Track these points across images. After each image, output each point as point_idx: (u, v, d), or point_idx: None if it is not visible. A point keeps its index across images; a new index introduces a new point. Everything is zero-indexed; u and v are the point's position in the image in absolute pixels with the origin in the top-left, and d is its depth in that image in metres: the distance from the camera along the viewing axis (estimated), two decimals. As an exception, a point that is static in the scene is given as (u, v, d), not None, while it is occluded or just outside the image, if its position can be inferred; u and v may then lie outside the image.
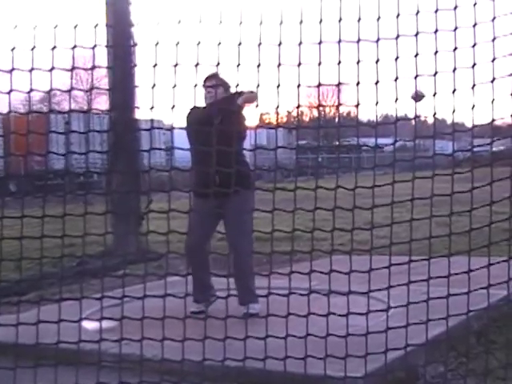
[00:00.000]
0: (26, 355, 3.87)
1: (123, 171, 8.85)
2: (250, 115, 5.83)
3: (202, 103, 5.89)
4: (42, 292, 6.15)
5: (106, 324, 3.91)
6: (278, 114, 3.78)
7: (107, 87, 9.08)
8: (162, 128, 4.21)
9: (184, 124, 5.79)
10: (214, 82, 5.72)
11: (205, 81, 5.74)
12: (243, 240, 5.73)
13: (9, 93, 3.51)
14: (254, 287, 5.80)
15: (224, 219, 5.85)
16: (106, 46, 7.92)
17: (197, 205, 5.57)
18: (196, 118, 5.64)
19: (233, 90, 5.83)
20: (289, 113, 45.31)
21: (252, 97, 5.44)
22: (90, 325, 4.56)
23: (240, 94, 5.58)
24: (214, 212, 5.62)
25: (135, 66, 3.69)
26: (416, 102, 3.61)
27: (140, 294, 3.78)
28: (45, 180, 21.87)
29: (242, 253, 5.69)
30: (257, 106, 3.52)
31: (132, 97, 8.62)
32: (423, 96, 3.73)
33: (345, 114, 45.91)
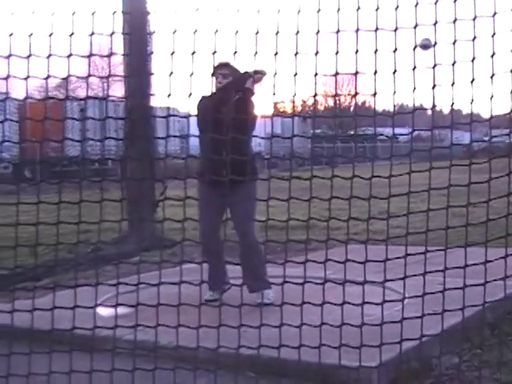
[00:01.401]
0: (40, 341, 3.90)
1: (138, 158, 8.87)
2: (264, 104, 5.81)
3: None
4: (57, 278, 6.19)
5: (120, 310, 3.92)
6: (294, 102, 3.79)
7: (123, 74, 9.08)
8: (177, 115, 4.21)
9: (195, 112, 5.77)
10: (225, 71, 5.70)
11: (215, 69, 5.69)
12: (251, 228, 5.75)
13: (26, 79, 3.51)
14: (265, 274, 5.81)
15: (230, 208, 5.73)
16: (123, 33, 7.92)
17: (203, 192, 5.61)
18: (205, 106, 5.56)
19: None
20: (304, 102, 45.28)
21: (260, 77, 5.43)
22: (104, 311, 4.59)
23: (248, 74, 5.58)
24: (220, 200, 5.59)
25: (151, 53, 3.69)
26: (424, 49, 3.56)
27: (154, 280, 3.79)
28: (60, 166, 22.00)
29: (252, 240, 5.73)
30: (274, 94, 3.49)
31: (148, 84, 8.63)
32: (430, 46, 3.64)
33: (360, 104, 45.83)
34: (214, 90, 5.76)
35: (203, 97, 5.73)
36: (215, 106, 5.41)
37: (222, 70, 5.68)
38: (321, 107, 49.34)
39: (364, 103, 45.63)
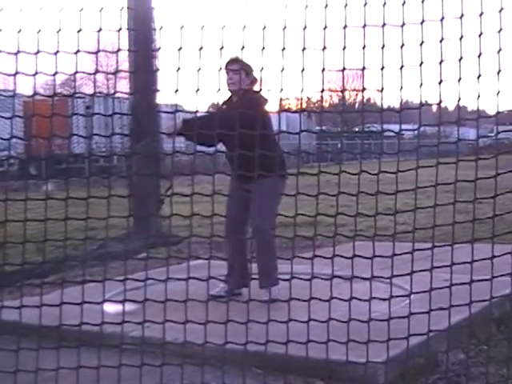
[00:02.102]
0: (48, 337, 3.91)
1: (143, 155, 8.88)
2: (270, 100, 5.84)
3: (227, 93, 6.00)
4: (64, 275, 6.20)
5: (126, 307, 3.93)
6: (301, 98, 3.78)
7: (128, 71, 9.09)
8: (184, 111, 4.21)
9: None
10: (235, 67, 5.75)
11: (226, 65, 5.74)
12: (263, 223, 5.76)
13: (34, 75, 3.52)
14: (274, 270, 5.83)
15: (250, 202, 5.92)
16: (128, 29, 7.93)
17: (231, 185, 5.86)
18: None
19: (255, 73, 5.85)
20: (308, 99, 45.22)
21: None
22: (111, 308, 4.60)
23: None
24: (244, 195, 5.71)
25: (158, 49, 3.68)
26: None
27: (160, 277, 3.80)
28: (66, 163, 22.01)
29: (262, 237, 5.74)
30: (281, 90, 3.49)
31: (153, 81, 8.64)
32: None
33: (364, 101, 45.77)
34: (227, 88, 5.86)
35: (222, 104, 5.94)
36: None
37: (233, 65, 5.73)
38: (325, 104, 49.30)
39: (369, 100, 45.57)
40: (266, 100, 5.77)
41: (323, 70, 3.38)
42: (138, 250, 7.49)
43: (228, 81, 5.81)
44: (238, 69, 5.74)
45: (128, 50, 7.83)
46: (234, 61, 5.69)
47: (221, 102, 6.06)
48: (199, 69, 3.46)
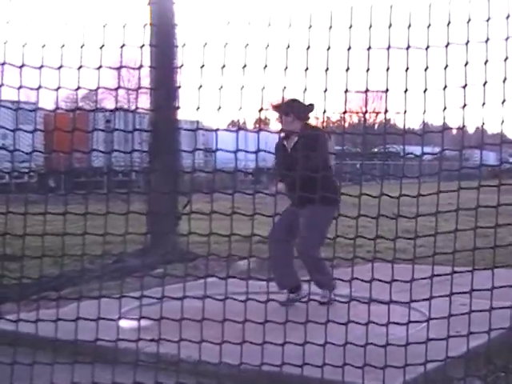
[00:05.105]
0: (63, 351, 3.90)
1: (162, 171, 8.89)
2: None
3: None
4: (79, 288, 6.20)
5: (142, 323, 3.91)
6: (325, 119, 3.79)
7: (149, 87, 9.13)
8: (203, 129, 4.22)
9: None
10: (280, 112, 6.00)
11: (272, 109, 6.02)
12: (307, 248, 5.92)
13: (57, 90, 3.53)
14: (323, 277, 5.94)
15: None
16: (150, 46, 7.97)
17: (286, 209, 6.00)
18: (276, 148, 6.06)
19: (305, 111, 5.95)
20: (328, 118, 45.23)
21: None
22: (126, 323, 4.58)
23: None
24: (295, 215, 5.90)
25: (179, 66, 3.68)
26: None
27: (176, 294, 3.77)
28: (84, 177, 22.11)
29: (307, 258, 5.91)
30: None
31: (174, 97, 8.64)
32: None
33: (384, 122, 45.64)
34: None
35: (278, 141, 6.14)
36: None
37: (278, 110, 6.01)
38: (345, 124, 49.21)
39: (388, 121, 45.48)
40: (324, 132, 5.95)
41: (346, 90, 3.37)
42: (154, 266, 7.49)
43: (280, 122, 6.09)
44: (282, 114, 5.98)
45: (150, 67, 7.86)
46: (279, 106, 5.89)
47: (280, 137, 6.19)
48: (221, 87, 3.45)
